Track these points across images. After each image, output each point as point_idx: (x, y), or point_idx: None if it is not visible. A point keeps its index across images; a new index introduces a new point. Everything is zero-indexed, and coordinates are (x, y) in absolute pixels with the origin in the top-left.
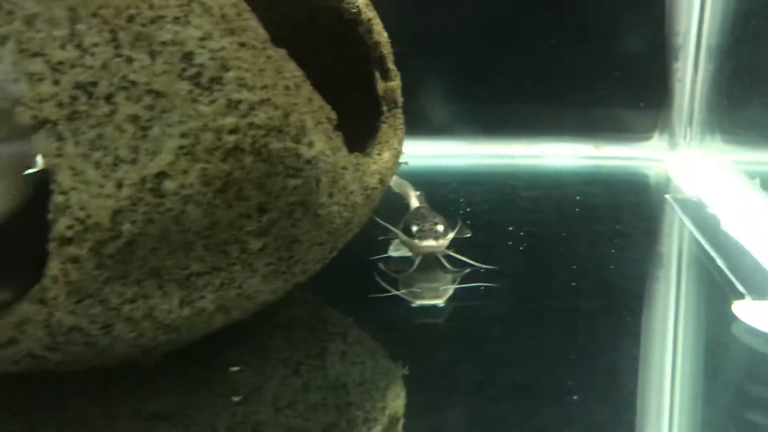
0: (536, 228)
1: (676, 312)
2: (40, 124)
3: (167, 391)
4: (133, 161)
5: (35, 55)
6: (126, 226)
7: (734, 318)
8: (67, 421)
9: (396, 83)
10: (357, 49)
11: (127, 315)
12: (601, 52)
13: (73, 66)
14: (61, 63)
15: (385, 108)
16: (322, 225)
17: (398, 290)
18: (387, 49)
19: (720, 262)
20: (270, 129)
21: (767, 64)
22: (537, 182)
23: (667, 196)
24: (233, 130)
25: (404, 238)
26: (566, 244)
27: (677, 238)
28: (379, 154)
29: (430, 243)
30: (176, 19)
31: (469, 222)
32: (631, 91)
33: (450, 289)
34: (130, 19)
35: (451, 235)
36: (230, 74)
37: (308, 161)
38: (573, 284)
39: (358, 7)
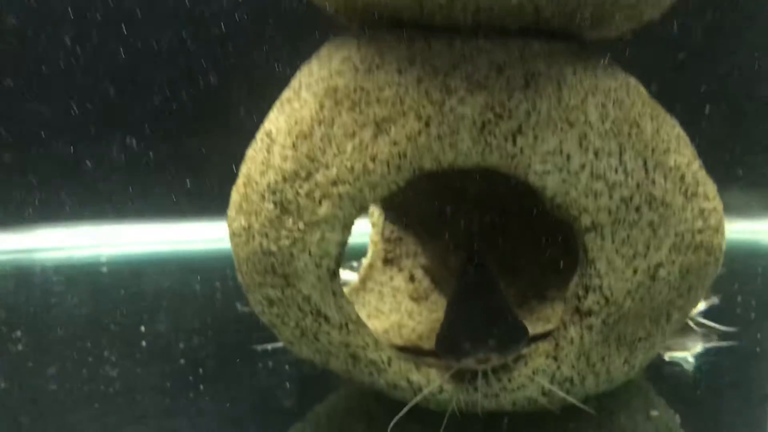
0: None
1: None
2: (594, 227)
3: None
4: (645, 254)
5: (599, 177)
6: (627, 303)
7: None
8: None
9: None
10: None
11: (596, 370)
12: None
13: (620, 185)
14: (614, 183)
15: None
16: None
17: None
18: None
19: None
20: (715, 229)
21: None
22: None
23: None
24: (700, 231)
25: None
26: None
27: None
28: None
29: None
30: (675, 149)
31: None
32: None
33: (699, 345)
34: (653, 150)
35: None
36: (700, 189)
37: (722, 252)
38: None
39: None
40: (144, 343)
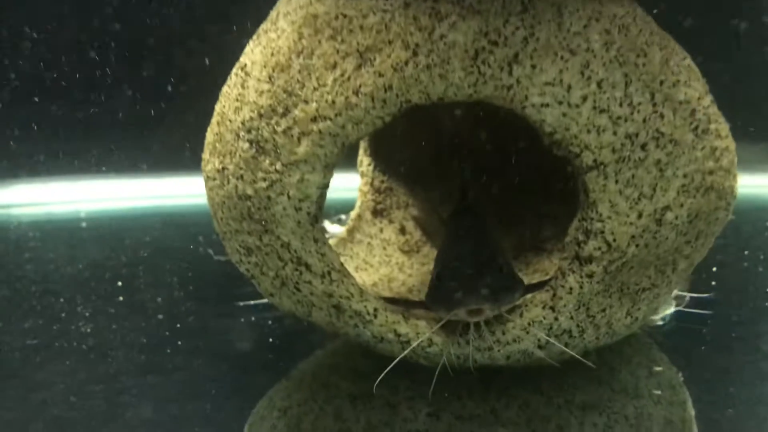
0: None
1: None
2: (596, 166)
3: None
4: (651, 197)
5: (602, 111)
6: (631, 249)
7: None
8: (520, 407)
9: None
10: None
11: (596, 322)
12: None
13: (626, 120)
14: (619, 118)
15: None
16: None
17: None
18: None
19: None
20: (727, 171)
21: None
22: None
23: None
24: (711, 172)
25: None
26: None
27: None
28: None
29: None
30: (685, 82)
31: None
32: None
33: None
34: (661, 83)
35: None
36: (712, 126)
37: (734, 197)
38: None
39: None
40: (121, 298)
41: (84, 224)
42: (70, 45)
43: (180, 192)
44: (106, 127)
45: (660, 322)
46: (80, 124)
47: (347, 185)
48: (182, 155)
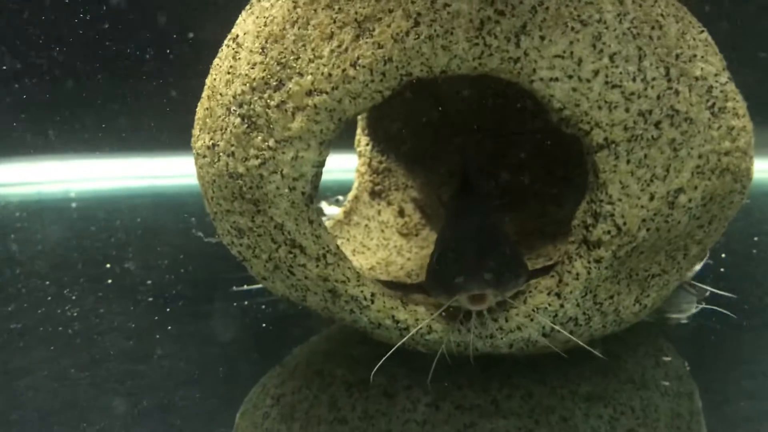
0: None
1: None
2: (607, 145)
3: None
4: (664, 178)
5: (614, 86)
6: (642, 233)
7: None
8: (523, 397)
9: None
10: None
11: (603, 309)
12: None
13: (639, 96)
14: (632, 94)
15: None
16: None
17: None
18: None
19: None
20: (743, 152)
21: None
22: None
23: None
24: (726, 153)
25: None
26: None
27: None
28: None
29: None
30: (702, 57)
31: None
32: None
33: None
34: (677, 57)
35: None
36: (729, 104)
37: (750, 179)
38: None
39: None
40: (109, 281)
41: (74, 204)
42: (59, 23)
43: (175, 171)
44: (98, 105)
45: (684, 321)
46: (70, 103)
47: (345, 166)
48: (177, 134)
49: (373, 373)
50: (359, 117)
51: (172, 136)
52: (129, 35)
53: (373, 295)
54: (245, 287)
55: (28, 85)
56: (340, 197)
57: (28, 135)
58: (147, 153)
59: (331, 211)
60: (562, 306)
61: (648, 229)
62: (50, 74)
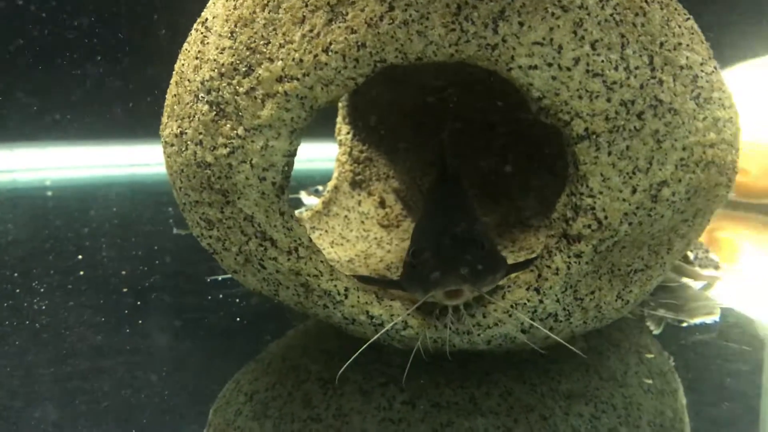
0: None
1: None
2: (587, 135)
3: (570, 373)
4: (647, 170)
5: (596, 75)
6: (623, 227)
7: None
8: (501, 395)
9: None
10: None
11: (584, 305)
12: None
13: (621, 86)
14: (614, 83)
15: None
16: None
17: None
18: None
19: None
20: (729, 144)
21: None
22: None
23: None
24: (712, 145)
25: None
26: None
27: None
28: None
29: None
30: (687, 45)
31: None
32: None
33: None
34: (661, 45)
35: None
36: (715, 95)
37: (736, 172)
38: None
39: None
40: (81, 273)
41: (49, 193)
42: (35, 11)
43: (150, 160)
44: (75, 92)
45: (710, 321)
46: (48, 89)
47: (324, 155)
48: (154, 122)
49: (341, 371)
50: (340, 105)
51: (151, 123)
52: (109, 26)
53: (347, 290)
54: (219, 278)
55: (5, 73)
56: (320, 187)
57: (7, 122)
58: (125, 140)
59: (310, 201)
60: (541, 302)
61: (630, 223)
62: (26, 60)
